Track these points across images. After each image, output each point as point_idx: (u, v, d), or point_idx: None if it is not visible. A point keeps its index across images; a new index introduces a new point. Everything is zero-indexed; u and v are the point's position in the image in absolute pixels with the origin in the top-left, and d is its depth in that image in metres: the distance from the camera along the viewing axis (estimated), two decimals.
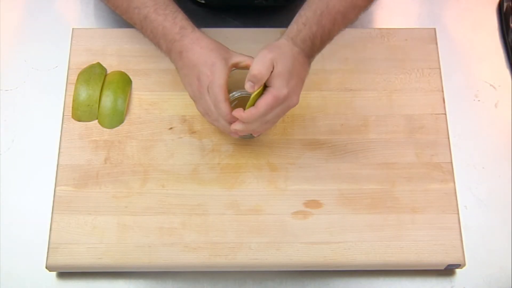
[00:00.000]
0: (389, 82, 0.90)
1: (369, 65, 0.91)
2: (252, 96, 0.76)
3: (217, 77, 0.74)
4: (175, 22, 0.77)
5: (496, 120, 0.93)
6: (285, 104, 0.75)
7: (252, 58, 0.77)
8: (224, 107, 0.74)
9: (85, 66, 0.90)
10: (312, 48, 0.76)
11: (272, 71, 0.73)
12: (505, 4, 0.99)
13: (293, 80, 0.74)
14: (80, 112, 0.87)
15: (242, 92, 0.85)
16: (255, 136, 0.82)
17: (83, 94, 0.87)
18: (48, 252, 0.80)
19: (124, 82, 0.89)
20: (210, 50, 0.76)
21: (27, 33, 0.97)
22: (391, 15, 1.00)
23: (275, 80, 0.73)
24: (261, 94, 0.75)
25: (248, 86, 0.73)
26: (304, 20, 0.75)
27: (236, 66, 0.77)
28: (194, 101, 0.79)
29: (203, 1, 0.97)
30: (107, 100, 0.87)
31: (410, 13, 1.01)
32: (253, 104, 0.75)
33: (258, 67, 0.72)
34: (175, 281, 0.82)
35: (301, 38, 0.75)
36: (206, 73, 0.74)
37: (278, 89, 0.73)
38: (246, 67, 0.77)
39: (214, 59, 0.75)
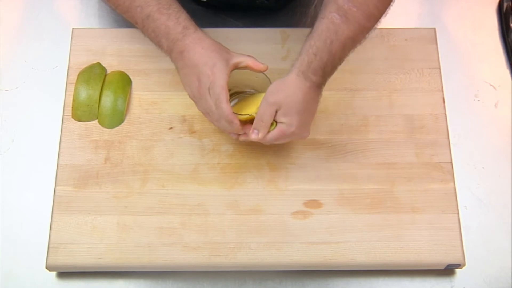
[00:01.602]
0: (389, 82, 0.90)
1: (369, 65, 0.91)
2: (253, 100, 0.77)
3: (218, 77, 0.74)
4: (178, 22, 0.77)
5: (496, 120, 0.93)
6: (294, 137, 0.78)
7: (253, 57, 0.77)
8: (225, 107, 0.74)
9: (85, 66, 0.90)
10: (323, 76, 0.76)
11: (277, 111, 0.75)
12: (505, 4, 0.99)
13: (302, 116, 0.76)
14: (80, 112, 0.87)
15: (245, 92, 0.85)
16: None
17: (83, 94, 0.87)
18: (48, 252, 0.80)
19: (124, 82, 0.89)
20: (212, 50, 0.76)
21: (27, 33, 0.97)
22: (391, 15, 0.99)
23: (282, 119, 0.75)
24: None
25: (253, 136, 0.76)
26: (314, 51, 0.74)
27: (236, 66, 0.77)
28: (194, 101, 0.79)
29: (204, 0, 0.97)
30: (107, 100, 0.87)
31: (410, 13, 1.01)
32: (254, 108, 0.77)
33: (261, 114, 0.75)
34: (175, 281, 0.82)
35: (312, 70, 0.75)
36: (207, 73, 0.75)
37: (285, 126, 0.76)
38: (247, 68, 0.77)
39: (215, 60, 0.75)
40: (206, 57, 0.75)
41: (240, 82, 0.84)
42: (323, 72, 0.75)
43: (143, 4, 0.77)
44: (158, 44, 0.79)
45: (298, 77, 0.74)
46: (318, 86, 0.76)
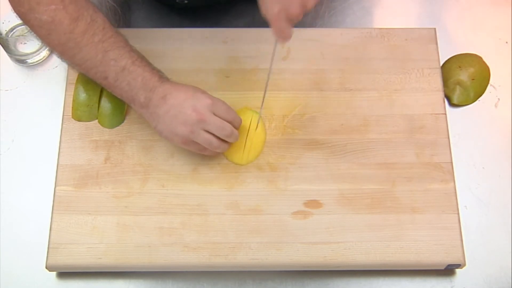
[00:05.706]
0: (389, 82, 0.90)
1: (369, 65, 0.91)
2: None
3: (215, 97, 0.77)
4: (153, 73, 0.77)
5: (496, 120, 0.93)
6: None
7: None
8: (233, 111, 0.77)
9: None
10: None
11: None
12: None
13: None
14: (80, 112, 0.87)
15: None
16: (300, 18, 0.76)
17: (83, 94, 0.87)
18: (48, 252, 0.80)
19: None
20: (193, 87, 0.78)
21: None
22: (391, 15, 1.00)
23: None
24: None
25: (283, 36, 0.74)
26: None
27: None
28: (192, 137, 0.77)
29: (186, 1, 0.95)
30: (107, 100, 0.87)
31: (410, 13, 1.01)
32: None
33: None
34: (175, 281, 0.82)
35: None
36: (202, 97, 0.76)
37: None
38: None
39: (201, 90, 0.78)
40: (192, 90, 0.77)
41: (238, 83, 0.84)
42: None
43: (117, 57, 0.75)
44: (131, 97, 0.77)
45: None
46: None
